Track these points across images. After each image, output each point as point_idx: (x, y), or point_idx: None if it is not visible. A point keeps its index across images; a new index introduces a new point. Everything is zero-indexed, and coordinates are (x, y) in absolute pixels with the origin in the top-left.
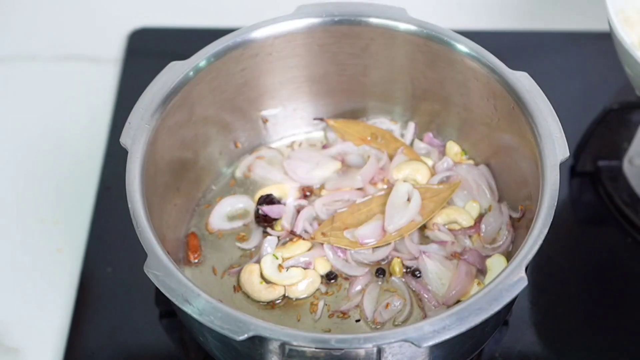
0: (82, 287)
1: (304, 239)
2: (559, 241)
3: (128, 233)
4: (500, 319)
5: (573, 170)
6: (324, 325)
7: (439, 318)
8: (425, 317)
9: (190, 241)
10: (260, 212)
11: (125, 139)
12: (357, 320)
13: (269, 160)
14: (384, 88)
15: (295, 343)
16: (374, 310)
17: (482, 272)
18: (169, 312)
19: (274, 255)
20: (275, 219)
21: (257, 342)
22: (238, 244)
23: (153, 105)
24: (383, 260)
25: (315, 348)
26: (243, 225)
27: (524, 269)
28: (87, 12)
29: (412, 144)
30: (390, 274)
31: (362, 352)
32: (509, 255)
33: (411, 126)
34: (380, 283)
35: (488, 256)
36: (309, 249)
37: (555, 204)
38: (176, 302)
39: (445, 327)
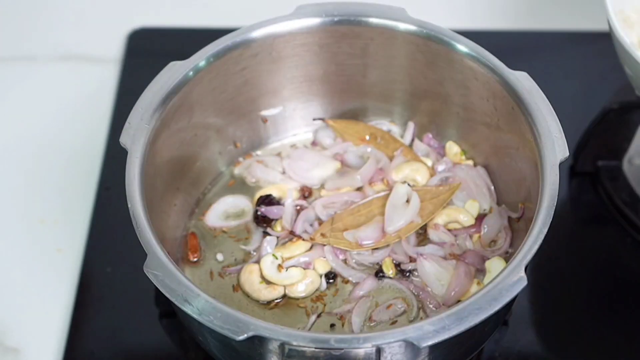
0: (82, 287)
1: (303, 239)
2: (558, 241)
3: (128, 233)
4: (500, 319)
5: (573, 170)
6: (323, 325)
7: (439, 318)
8: (425, 317)
9: (189, 241)
10: (259, 212)
11: (125, 139)
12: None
13: (269, 160)
14: (384, 88)
15: (294, 343)
16: (362, 326)
17: (481, 272)
18: (168, 312)
19: (273, 255)
20: (274, 220)
21: (257, 342)
22: (239, 245)
23: (153, 105)
24: (382, 262)
25: (315, 348)
26: (239, 224)
27: (523, 268)
28: (87, 12)
29: (411, 144)
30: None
31: (361, 352)
32: (507, 259)
33: (410, 126)
34: (376, 293)
35: (487, 257)
36: (309, 249)
37: (555, 203)
38: (176, 302)
39: (445, 327)
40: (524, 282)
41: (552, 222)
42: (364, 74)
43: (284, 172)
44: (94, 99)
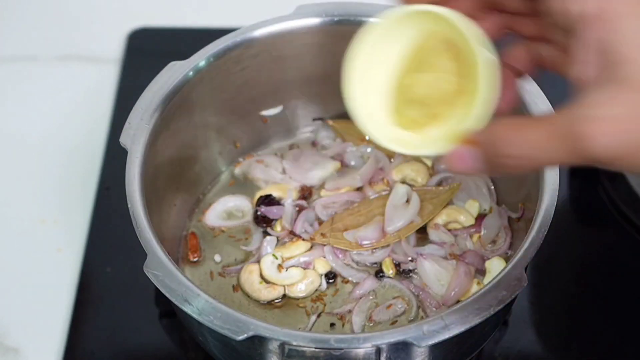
0: (82, 287)
1: (303, 239)
2: (558, 241)
3: (128, 233)
4: (500, 319)
5: (573, 170)
6: (323, 325)
7: (439, 318)
8: (425, 317)
9: (189, 241)
10: (259, 212)
11: (125, 139)
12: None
13: (269, 160)
14: None
15: (294, 343)
16: (362, 326)
17: (481, 272)
18: (168, 312)
19: (273, 255)
20: (274, 220)
21: (257, 342)
22: (239, 245)
23: (153, 105)
24: (382, 262)
25: (315, 348)
26: (239, 224)
27: (523, 268)
28: (87, 12)
29: None
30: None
31: (361, 352)
32: (507, 259)
33: None
34: (376, 295)
35: (487, 258)
36: (309, 249)
37: (555, 203)
38: (176, 302)
39: (445, 327)
40: (524, 282)
41: (552, 222)
42: None
43: (284, 172)
44: (94, 99)
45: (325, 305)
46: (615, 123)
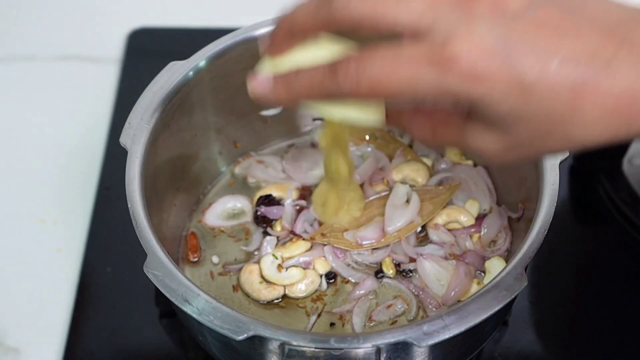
0: (82, 287)
1: (303, 239)
2: (558, 241)
3: (128, 233)
4: (500, 319)
5: (573, 170)
6: (323, 325)
7: (439, 318)
8: (425, 317)
9: (189, 241)
10: (259, 212)
11: (124, 139)
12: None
13: (269, 160)
14: None
15: (294, 343)
16: (362, 326)
17: (481, 272)
18: (168, 312)
19: (273, 255)
20: (274, 220)
21: (257, 342)
22: (239, 245)
23: (153, 105)
24: (382, 262)
25: (315, 348)
26: (239, 224)
27: (523, 268)
28: (87, 12)
29: (411, 144)
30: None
31: (361, 352)
32: (507, 259)
33: None
34: (376, 295)
35: (487, 258)
36: (309, 249)
37: (555, 203)
38: (176, 302)
39: (445, 327)
40: (524, 282)
41: (552, 222)
42: None
43: (284, 172)
44: (94, 99)
45: (325, 305)
46: (497, 151)
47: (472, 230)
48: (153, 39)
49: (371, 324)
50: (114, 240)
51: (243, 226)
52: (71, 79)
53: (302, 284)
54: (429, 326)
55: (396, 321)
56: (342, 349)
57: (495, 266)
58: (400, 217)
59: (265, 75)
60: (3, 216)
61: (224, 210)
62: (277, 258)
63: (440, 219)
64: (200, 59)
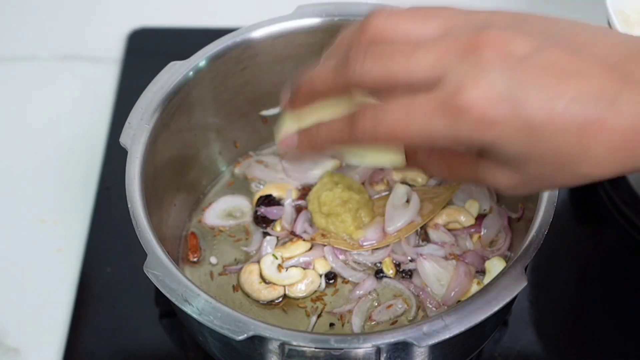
0: (82, 287)
1: (303, 239)
2: (558, 241)
3: (128, 233)
4: (500, 319)
5: None
6: (323, 325)
7: (439, 318)
8: (425, 317)
9: (189, 241)
10: (259, 213)
11: (124, 139)
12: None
13: (269, 160)
14: None
15: (294, 343)
16: (362, 326)
17: (481, 272)
18: (169, 312)
19: (273, 255)
20: (274, 220)
21: (257, 342)
22: (239, 246)
23: (153, 105)
24: (382, 262)
25: (315, 348)
26: (239, 224)
27: (523, 268)
28: (87, 12)
29: None
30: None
31: (361, 352)
32: (507, 259)
33: None
34: (376, 295)
35: (487, 258)
36: (309, 249)
37: (555, 203)
38: (176, 302)
39: (445, 327)
40: (524, 282)
41: (552, 222)
42: None
43: (283, 172)
44: (94, 99)
45: (325, 305)
46: (510, 186)
47: (472, 230)
48: (153, 39)
49: (371, 324)
50: (114, 240)
51: (243, 226)
52: (71, 79)
53: (302, 284)
54: (429, 326)
55: (396, 321)
56: (342, 349)
57: (495, 266)
58: (400, 217)
59: (289, 133)
60: (3, 216)
61: (223, 210)
62: (277, 258)
63: (440, 219)
64: (200, 59)
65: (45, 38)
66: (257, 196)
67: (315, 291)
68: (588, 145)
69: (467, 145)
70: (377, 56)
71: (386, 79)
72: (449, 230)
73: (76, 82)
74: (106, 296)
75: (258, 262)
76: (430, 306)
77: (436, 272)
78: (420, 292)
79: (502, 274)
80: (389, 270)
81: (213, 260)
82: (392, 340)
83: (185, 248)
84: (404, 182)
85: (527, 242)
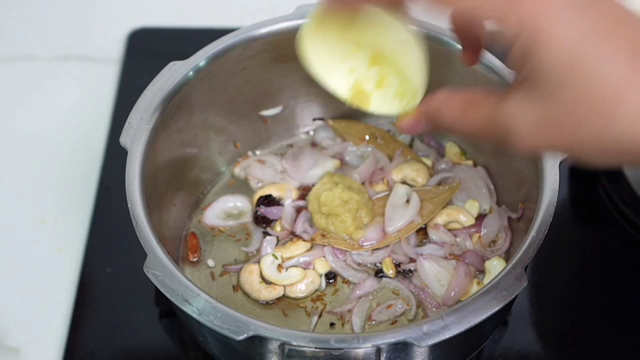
0: (82, 287)
1: (303, 239)
2: (558, 241)
3: (128, 233)
4: (500, 319)
5: (573, 170)
6: (323, 325)
7: (439, 318)
8: (425, 317)
9: (189, 241)
10: (258, 213)
11: (125, 139)
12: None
13: (269, 160)
14: None
15: (294, 343)
16: (362, 326)
17: (481, 272)
18: (168, 312)
19: (273, 255)
20: (274, 220)
21: (257, 342)
22: (239, 246)
23: (153, 105)
24: (382, 262)
25: (315, 348)
26: (238, 224)
27: (523, 268)
28: (87, 12)
29: (411, 144)
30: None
31: (361, 352)
32: (507, 259)
33: None
34: (376, 295)
35: (487, 258)
36: (309, 249)
37: (555, 203)
38: (176, 302)
39: (445, 327)
40: (524, 282)
41: (552, 222)
42: None
43: (283, 172)
44: (94, 99)
45: (325, 305)
46: (530, 127)
47: (472, 230)
48: (153, 39)
49: (371, 324)
50: (114, 240)
51: (243, 226)
52: (71, 79)
53: (302, 284)
54: (429, 326)
55: (396, 321)
56: (342, 349)
57: (495, 266)
58: (400, 217)
59: (412, 115)
60: (3, 216)
61: (223, 209)
62: (277, 258)
63: (440, 219)
64: (200, 59)
65: (45, 38)
66: (257, 196)
67: (315, 291)
68: (626, 99)
69: (514, 34)
70: None
71: None
72: (449, 230)
73: (76, 82)
74: (106, 296)
75: (258, 262)
76: (430, 306)
77: (436, 272)
78: (420, 292)
79: (502, 274)
80: (389, 270)
81: (209, 263)
82: (392, 340)
83: (185, 248)
84: (403, 182)
85: (527, 242)
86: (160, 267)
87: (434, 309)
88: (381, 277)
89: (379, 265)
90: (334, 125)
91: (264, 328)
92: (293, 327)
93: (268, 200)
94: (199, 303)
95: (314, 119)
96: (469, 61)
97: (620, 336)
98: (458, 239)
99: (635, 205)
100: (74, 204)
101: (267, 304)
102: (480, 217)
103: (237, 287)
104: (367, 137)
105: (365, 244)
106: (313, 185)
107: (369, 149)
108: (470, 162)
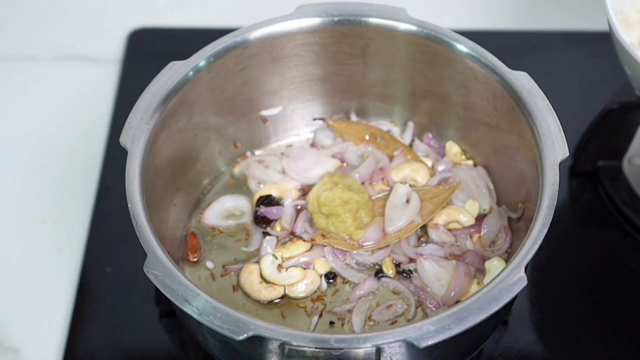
0: (82, 287)
1: (303, 239)
2: (558, 241)
3: (128, 233)
4: (500, 319)
5: (573, 170)
6: (323, 325)
7: (439, 318)
8: (425, 317)
9: (189, 241)
10: (258, 213)
11: (125, 139)
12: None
13: (269, 160)
14: (384, 88)
15: (294, 343)
16: (362, 326)
17: (481, 272)
18: (168, 312)
19: (273, 255)
20: (274, 220)
21: (257, 342)
22: (240, 246)
23: (153, 105)
24: (382, 262)
25: (315, 348)
26: (238, 224)
27: (523, 268)
28: (87, 12)
29: (411, 144)
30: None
31: (361, 352)
32: (507, 259)
33: (410, 126)
34: (376, 295)
35: (487, 258)
36: (309, 250)
37: (555, 203)
38: (176, 302)
39: (445, 327)
40: (524, 282)
41: (552, 222)
42: (364, 74)
43: (283, 172)
44: (94, 99)
45: (325, 305)
46: None
47: (472, 230)
48: (153, 39)
49: (371, 323)
50: (114, 240)
51: (243, 226)
52: (71, 79)
53: (302, 284)
54: (429, 326)
55: (396, 321)
56: (342, 349)
57: (495, 266)
58: (400, 217)
59: None
60: (3, 216)
61: (223, 209)
62: (277, 258)
63: (440, 219)
64: (200, 59)
65: (45, 38)
66: (257, 196)
67: (315, 291)
68: None
69: None
70: None
71: None
72: (449, 230)
73: (76, 82)
74: (106, 296)
75: (258, 262)
76: (430, 306)
77: (436, 272)
78: (420, 292)
79: (502, 274)
80: (389, 270)
81: (208, 265)
82: (392, 340)
83: (185, 248)
84: (403, 182)
85: (527, 242)
86: (160, 267)
87: (434, 309)
88: (381, 277)
89: (379, 265)
90: (334, 125)
91: (264, 328)
92: (293, 327)
93: (268, 200)
94: (199, 303)
95: (314, 119)
96: None
97: (621, 336)
98: (458, 239)
99: (635, 205)
100: (74, 204)
101: (267, 304)
102: (480, 217)
103: (237, 287)
104: (367, 137)
105: (365, 244)
106: (313, 185)
107: (369, 149)
108: (470, 162)
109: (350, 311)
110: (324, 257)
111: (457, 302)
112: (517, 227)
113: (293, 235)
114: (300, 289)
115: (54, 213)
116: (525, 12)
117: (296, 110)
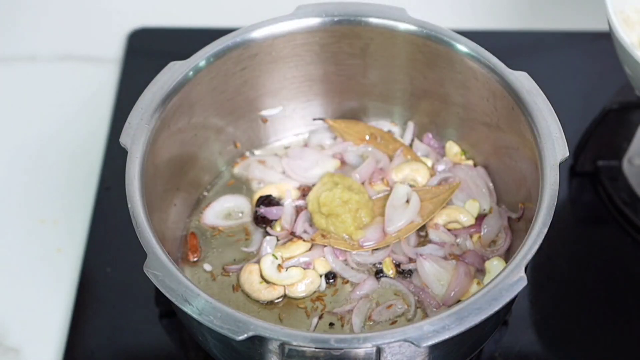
0: (82, 287)
1: (303, 240)
2: (558, 241)
3: (128, 233)
4: (500, 319)
5: (573, 170)
6: (323, 325)
7: (439, 318)
8: (425, 317)
9: (189, 241)
10: (258, 213)
11: (125, 139)
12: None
13: (269, 160)
14: (384, 88)
15: (294, 343)
16: (362, 326)
17: (481, 272)
18: (168, 312)
19: (273, 255)
20: (274, 220)
21: (257, 342)
22: (240, 246)
23: (153, 105)
24: (382, 262)
25: (315, 348)
26: (238, 224)
27: (523, 268)
28: (87, 12)
29: (411, 144)
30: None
31: (361, 352)
32: (507, 259)
33: (410, 126)
34: (376, 295)
35: (487, 258)
36: (309, 250)
37: (555, 203)
38: (176, 302)
39: (445, 326)
40: (524, 282)
41: (552, 222)
42: (364, 74)
43: (283, 172)
44: (94, 99)
45: (325, 305)
46: None
47: (472, 230)
48: (153, 39)
49: (371, 323)
50: (114, 240)
51: (243, 226)
52: (71, 79)
53: (302, 284)
54: (429, 326)
55: (396, 321)
56: (342, 349)
57: (495, 266)
58: (400, 217)
59: None
60: (3, 216)
61: (223, 209)
62: (277, 258)
63: (440, 219)
64: (200, 59)
65: (45, 38)
66: (257, 196)
67: (315, 291)
68: None
69: None
70: None
71: None
72: (449, 230)
73: (76, 82)
74: (106, 296)
75: (258, 262)
76: (430, 306)
77: (436, 272)
78: (420, 292)
79: (502, 274)
80: (389, 271)
81: (210, 264)
82: (392, 340)
83: (185, 248)
84: (403, 182)
85: (527, 242)
86: (160, 267)
87: (434, 309)
88: (381, 277)
89: (379, 265)
90: (334, 125)
91: (264, 328)
92: (293, 327)
93: (268, 200)
94: (199, 303)
95: (314, 119)
96: None
97: (620, 336)
98: (458, 239)
99: (634, 205)
100: (74, 204)
101: (267, 304)
102: (480, 217)
103: (237, 287)
104: (367, 137)
105: (365, 244)
106: (313, 185)
107: (369, 149)
108: (470, 162)
109: (350, 311)
110: (324, 257)
111: (457, 302)
112: (517, 227)
113: (293, 236)
114: (300, 289)
115: (54, 213)
116: (525, 12)
117: (296, 110)
